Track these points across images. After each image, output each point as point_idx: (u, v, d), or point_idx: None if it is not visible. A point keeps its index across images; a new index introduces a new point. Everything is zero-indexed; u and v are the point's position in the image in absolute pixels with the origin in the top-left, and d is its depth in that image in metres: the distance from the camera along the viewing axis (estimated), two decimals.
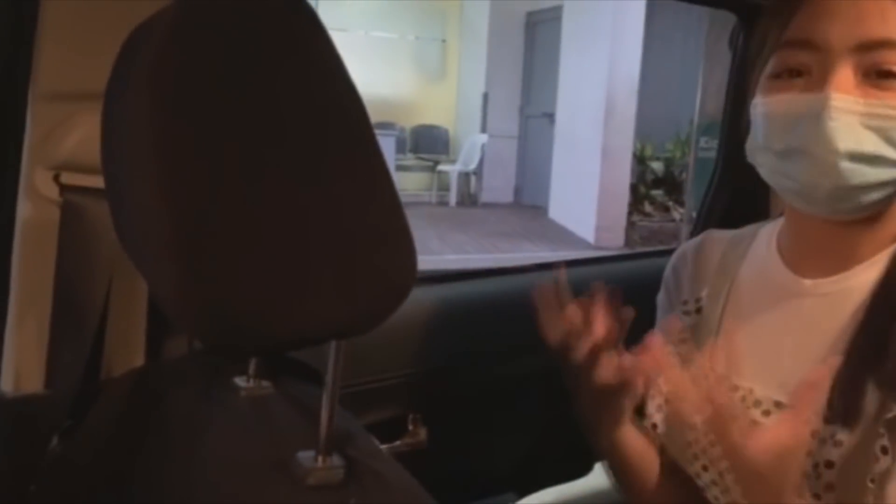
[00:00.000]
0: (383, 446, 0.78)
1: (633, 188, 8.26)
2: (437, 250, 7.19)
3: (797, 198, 0.86)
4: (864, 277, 0.87)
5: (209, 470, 0.67)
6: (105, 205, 0.73)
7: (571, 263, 1.59)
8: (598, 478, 1.48)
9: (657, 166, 8.62)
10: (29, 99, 0.91)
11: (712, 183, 1.67)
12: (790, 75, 0.84)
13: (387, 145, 9.25)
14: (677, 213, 8.27)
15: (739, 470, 0.78)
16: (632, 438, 0.97)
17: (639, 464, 0.98)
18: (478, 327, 1.41)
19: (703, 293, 1.00)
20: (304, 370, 0.85)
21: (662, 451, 0.98)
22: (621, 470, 0.99)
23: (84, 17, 0.89)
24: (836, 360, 0.79)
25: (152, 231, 0.54)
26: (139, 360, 0.98)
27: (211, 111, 0.54)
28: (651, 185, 8.57)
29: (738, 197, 1.43)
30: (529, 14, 9.98)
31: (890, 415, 0.79)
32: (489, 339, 1.40)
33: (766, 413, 0.87)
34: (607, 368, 0.87)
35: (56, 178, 0.92)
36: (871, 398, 0.81)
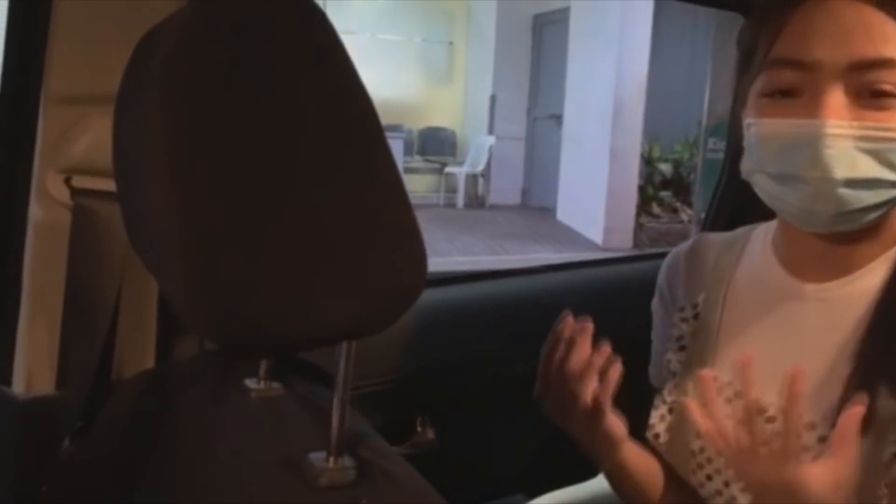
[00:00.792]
0: (392, 448, 0.78)
1: (641, 190, 8.23)
2: (445, 252, 7.16)
3: (796, 221, 0.86)
4: (867, 282, 0.86)
5: (221, 471, 0.67)
6: (116, 207, 0.74)
7: (577, 265, 1.60)
8: (603, 481, 1.47)
9: (665, 168, 8.60)
10: (41, 102, 0.91)
11: (720, 183, 1.66)
12: (780, 95, 0.82)
13: (395, 147, 9.08)
14: (685, 215, 8.24)
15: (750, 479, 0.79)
16: (633, 458, 0.96)
17: (643, 481, 0.97)
18: (486, 328, 1.41)
19: (700, 298, 0.98)
20: (314, 371, 0.85)
21: (664, 461, 0.97)
22: (626, 490, 0.98)
23: (95, 21, 0.90)
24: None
25: (165, 232, 0.55)
26: (149, 362, 0.99)
27: (223, 113, 0.54)
28: (659, 187, 8.54)
29: (745, 197, 1.43)
30: (536, 16, 9.96)
31: None
32: (497, 340, 1.40)
33: (771, 420, 0.85)
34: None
35: (67, 182, 0.92)
36: (881, 404, 0.79)
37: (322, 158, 0.56)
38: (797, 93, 0.81)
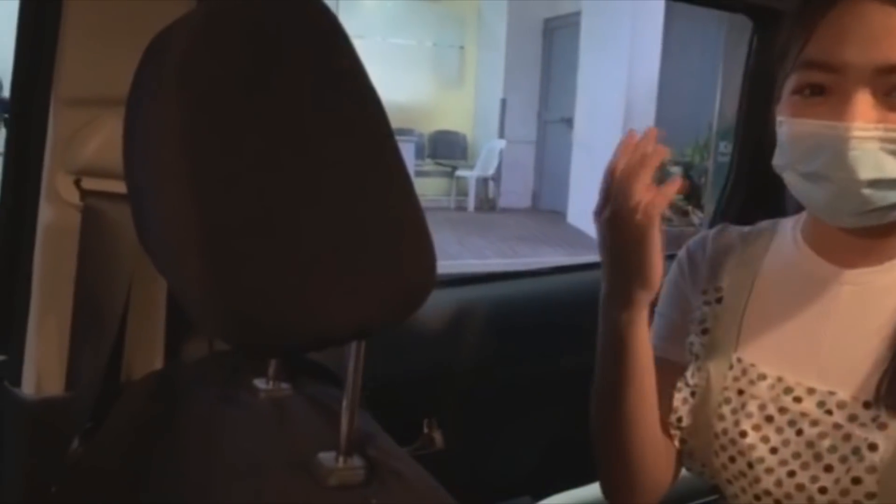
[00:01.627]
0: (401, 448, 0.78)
1: None
2: (456, 254, 7.17)
3: (822, 216, 0.88)
4: None
5: (230, 471, 0.67)
6: (125, 209, 0.74)
7: (583, 267, 1.59)
8: None
9: (676, 171, 8.58)
10: (51, 104, 0.92)
11: (727, 185, 1.66)
12: (811, 92, 0.84)
13: (406, 151, 9.15)
14: (696, 218, 8.21)
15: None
16: (642, 339, 0.92)
17: (639, 368, 0.93)
18: (493, 331, 1.41)
19: (724, 283, 0.99)
20: (322, 372, 0.86)
21: (683, 443, 0.97)
22: (621, 355, 0.92)
23: (105, 24, 0.90)
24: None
25: (177, 232, 0.55)
26: (158, 363, 0.99)
27: (235, 114, 0.55)
28: None
29: (752, 199, 1.43)
30: (547, 20, 9.96)
31: None
32: (504, 342, 1.40)
33: (798, 399, 0.87)
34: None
35: (77, 183, 0.92)
36: None
37: (333, 159, 0.56)
38: (827, 91, 0.83)
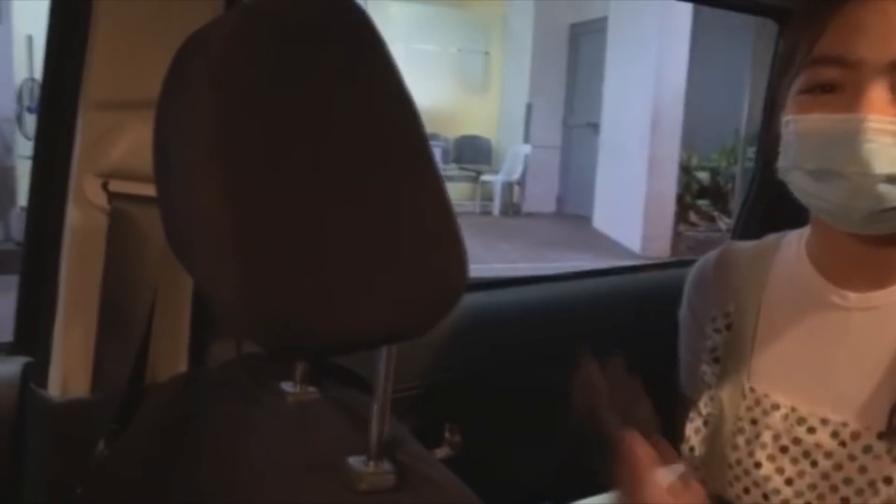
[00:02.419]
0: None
1: (679, 198, 8.16)
2: (484, 259, 7.13)
3: (832, 218, 0.83)
4: None
5: (259, 473, 0.67)
6: (152, 212, 0.74)
7: (603, 272, 1.57)
8: None
9: (703, 176, 8.53)
10: (79, 107, 0.91)
11: (751, 190, 1.64)
12: (821, 90, 0.81)
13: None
14: (723, 223, 8.15)
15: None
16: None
17: None
18: (514, 335, 1.40)
19: (731, 307, 0.96)
20: (349, 376, 0.85)
21: (696, 472, 0.94)
22: None
23: (134, 27, 0.90)
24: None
25: (210, 235, 0.55)
26: (182, 366, 0.99)
27: (270, 117, 0.54)
28: (696, 195, 8.46)
29: (776, 204, 1.41)
30: (573, 26, 9.92)
31: None
32: (525, 347, 1.39)
33: (812, 430, 0.85)
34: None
35: (104, 186, 0.92)
36: None
37: (367, 162, 0.56)
38: (838, 89, 0.80)
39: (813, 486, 0.83)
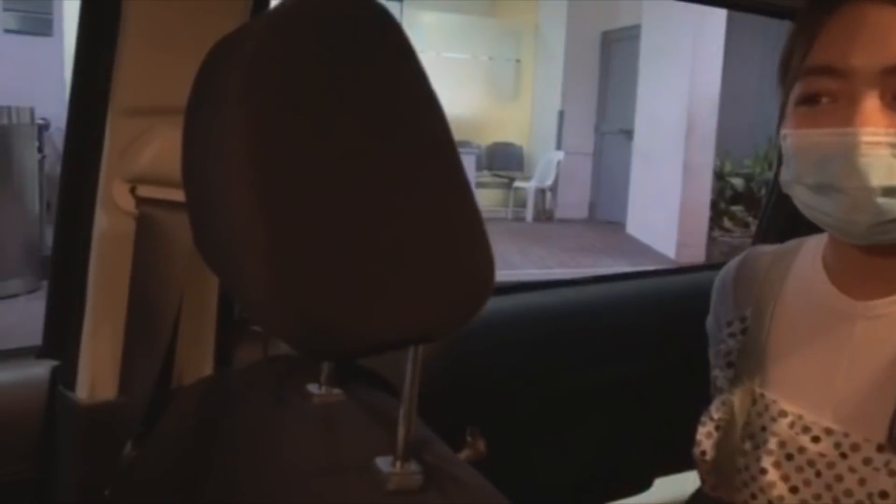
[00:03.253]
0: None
1: (713, 204, 8.09)
2: (519, 265, 7.17)
3: (835, 231, 0.82)
4: None
5: (285, 474, 0.67)
6: (179, 216, 0.74)
7: (627, 276, 1.55)
8: (657, 493, 1.44)
9: (737, 182, 8.45)
10: (108, 113, 0.92)
11: (770, 196, 1.61)
12: (817, 101, 0.79)
13: (468, 163, 9.18)
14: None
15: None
16: None
17: None
18: (537, 339, 1.38)
19: (748, 312, 0.95)
20: (374, 378, 0.85)
21: (708, 477, 0.94)
22: None
23: (163, 34, 0.91)
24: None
25: (241, 236, 0.55)
26: (209, 368, 0.99)
27: (302, 120, 0.55)
28: (730, 201, 8.38)
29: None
30: (605, 33, 9.91)
31: None
32: (549, 350, 1.37)
33: (816, 440, 0.83)
34: None
35: (132, 191, 0.93)
36: None
37: (396, 164, 0.56)
38: (833, 98, 0.78)
39: (818, 497, 0.82)
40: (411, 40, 0.60)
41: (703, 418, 0.94)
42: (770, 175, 7.48)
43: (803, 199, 0.82)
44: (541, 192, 9.98)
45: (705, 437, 0.93)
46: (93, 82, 0.92)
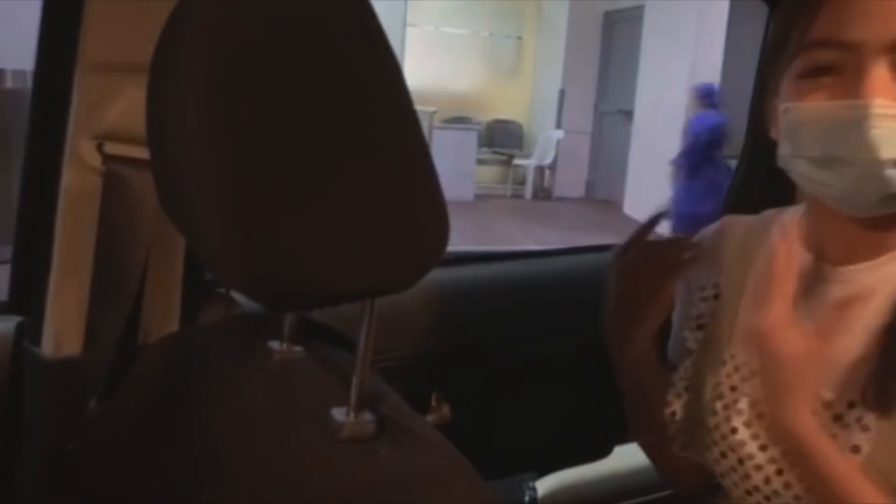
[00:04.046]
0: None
1: None
2: (520, 241, 7.21)
3: (839, 204, 0.81)
4: (893, 267, 0.82)
5: (244, 426, 0.68)
6: (146, 174, 0.74)
7: (595, 248, 1.55)
8: (616, 460, 1.46)
9: (734, 164, 8.44)
10: (75, 70, 0.91)
11: (738, 174, 1.60)
12: (818, 74, 0.78)
13: (470, 139, 9.23)
14: None
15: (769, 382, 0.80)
16: (652, 361, 0.95)
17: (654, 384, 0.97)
18: (503, 309, 1.38)
19: (721, 279, 0.96)
20: (334, 336, 0.85)
21: (679, 436, 0.96)
22: (637, 388, 0.98)
23: None
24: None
25: (199, 190, 0.55)
26: (174, 326, 0.99)
27: (259, 80, 0.55)
28: None
29: (764, 188, 1.38)
30: (607, 13, 9.86)
31: None
32: (514, 320, 1.38)
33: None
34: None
35: (99, 148, 0.92)
36: None
37: (352, 122, 0.56)
38: (836, 71, 0.77)
39: (787, 453, 0.82)
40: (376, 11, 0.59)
41: (672, 379, 0.95)
42: None
43: (805, 172, 0.80)
44: (540, 169, 9.96)
45: (675, 397, 0.94)
46: (59, 39, 0.91)
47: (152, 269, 0.95)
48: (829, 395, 0.81)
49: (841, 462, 0.77)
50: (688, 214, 6.74)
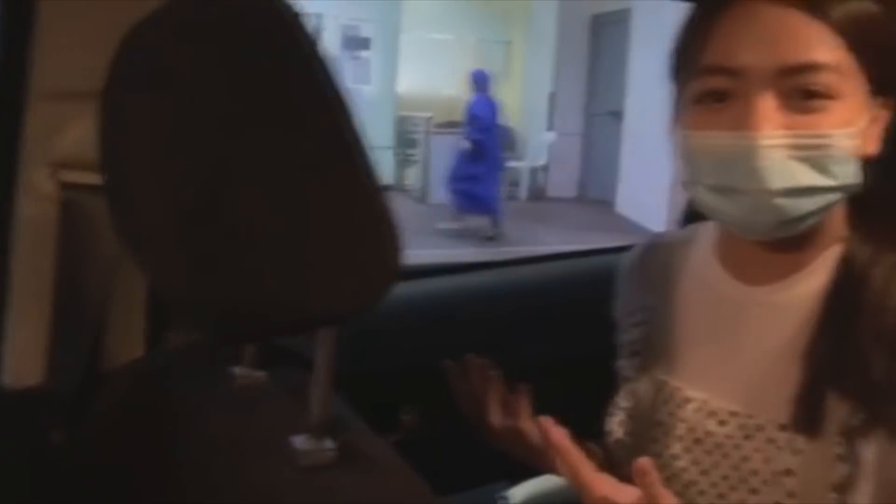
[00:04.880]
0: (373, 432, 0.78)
1: None
2: (521, 241, 7.32)
3: (738, 230, 0.81)
4: (810, 284, 0.82)
5: (205, 454, 0.68)
6: (104, 201, 0.72)
7: (562, 256, 1.54)
8: None
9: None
10: (28, 97, 0.88)
11: None
12: (712, 100, 0.77)
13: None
14: None
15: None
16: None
17: None
18: (472, 319, 1.37)
19: (650, 301, 0.94)
20: (297, 360, 0.83)
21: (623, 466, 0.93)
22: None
23: (83, 16, 0.87)
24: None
25: (154, 223, 0.54)
26: (139, 351, 0.97)
27: (208, 107, 0.54)
28: None
29: None
30: (595, 17, 9.89)
31: (854, 423, 0.75)
32: (485, 331, 1.36)
33: (723, 423, 0.83)
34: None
35: (55, 176, 0.89)
36: (829, 406, 0.76)
37: (300, 149, 0.55)
38: (728, 97, 0.76)
39: (726, 477, 0.81)
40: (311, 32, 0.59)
41: (611, 408, 0.93)
42: None
43: (704, 199, 0.80)
44: (533, 171, 10.02)
45: (617, 425, 0.92)
46: (12, 63, 0.88)
47: (115, 295, 0.93)
48: (761, 418, 0.80)
49: None
50: (463, 191, 7.36)
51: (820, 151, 0.73)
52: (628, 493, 0.72)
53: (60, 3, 0.86)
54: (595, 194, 9.71)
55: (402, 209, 7.80)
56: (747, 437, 0.80)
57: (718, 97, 0.77)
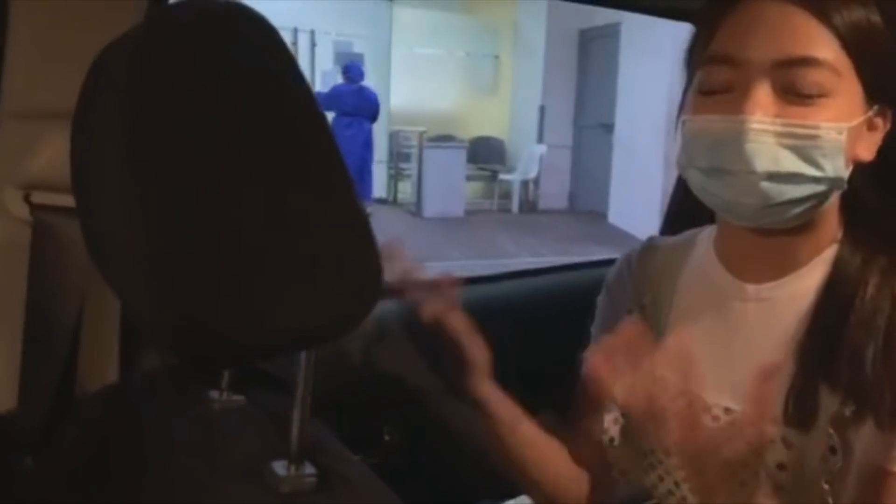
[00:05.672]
0: (358, 457, 0.76)
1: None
2: (515, 253, 7.33)
3: (725, 213, 0.84)
4: (806, 282, 0.85)
5: (184, 481, 0.66)
6: (76, 223, 0.70)
7: (548, 270, 1.53)
8: None
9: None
10: None
11: (677, 188, 1.57)
12: (716, 91, 0.81)
13: (458, 157, 9.34)
14: None
15: (698, 476, 0.79)
16: (531, 433, 0.98)
17: (542, 455, 0.99)
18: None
19: (646, 299, 0.96)
20: (275, 382, 0.82)
21: (616, 463, 0.96)
22: (527, 469, 0.99)
23: (53, 37, 0.85)
24: (781, 362, 0.79)
25: (125, 245, 0.53)
26: (113, 378, 0.95)
27: (182, 129, 0.52)
28: None
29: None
30: (583, 31, 9.95)
31: (845, 414, 0.78)
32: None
33: (716, 419, 0.85)
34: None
35: (27, 198, 0.87)
36: (822, 401, 0.79)
37: (276, 174, 0.54)
38: (729, 89, 0.80)
39: (718, 472, 0.80)
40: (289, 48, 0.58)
41: (607, 405, 0.93)
42: None
43: (696, 181, 0.83)
44: (525, 184, 10.05)
45: (612, 423, 0.93)
46: None
47: (88, 318, 0.91)
48: (729, 402, 0.83)
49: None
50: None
51: (808, 141, 0.76)
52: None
53: (32, 23, 0.84)
54: (586, 206, 9.74)
55: (398, 223, 7.84)
56: (741, 432, 0.80)
57: (721, 88, 0.80)
